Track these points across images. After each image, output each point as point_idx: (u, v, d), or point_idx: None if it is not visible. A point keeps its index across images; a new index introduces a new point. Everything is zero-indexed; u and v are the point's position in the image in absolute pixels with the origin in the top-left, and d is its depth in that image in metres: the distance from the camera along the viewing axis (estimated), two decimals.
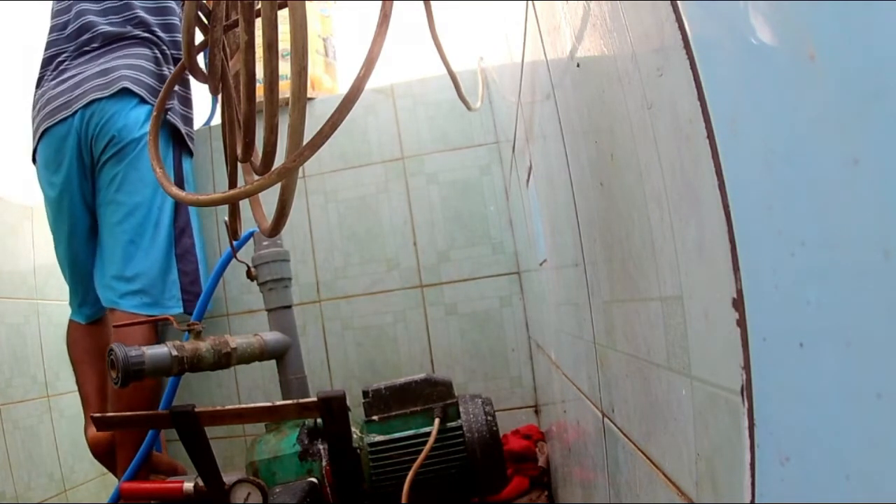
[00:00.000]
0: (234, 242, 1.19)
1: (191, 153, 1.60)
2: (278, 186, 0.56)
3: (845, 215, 0.17)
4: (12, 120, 1.53)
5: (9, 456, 1.37)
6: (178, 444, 1.33)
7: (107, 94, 1.41)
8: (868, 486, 0.17)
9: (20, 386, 1.46)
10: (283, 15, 0.50)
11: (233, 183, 0.69)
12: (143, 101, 1.45)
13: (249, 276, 1.30)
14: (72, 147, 1.42)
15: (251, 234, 1.34)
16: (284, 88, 0.73)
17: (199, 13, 0.64)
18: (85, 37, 1.49)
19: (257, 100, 0.54)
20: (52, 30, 1.55)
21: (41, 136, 1.45)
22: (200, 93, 1.63)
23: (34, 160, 1.51)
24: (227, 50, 0.69)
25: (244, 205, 0.75)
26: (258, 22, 0.51)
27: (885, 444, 0.16)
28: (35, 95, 1.50)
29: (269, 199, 0.61)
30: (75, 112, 1.41)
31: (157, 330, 1.48)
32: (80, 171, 1.44)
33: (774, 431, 0.23)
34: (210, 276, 1.42)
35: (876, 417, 0.16)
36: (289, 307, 1.29)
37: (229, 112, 0.68)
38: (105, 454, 1.45)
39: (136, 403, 1.33)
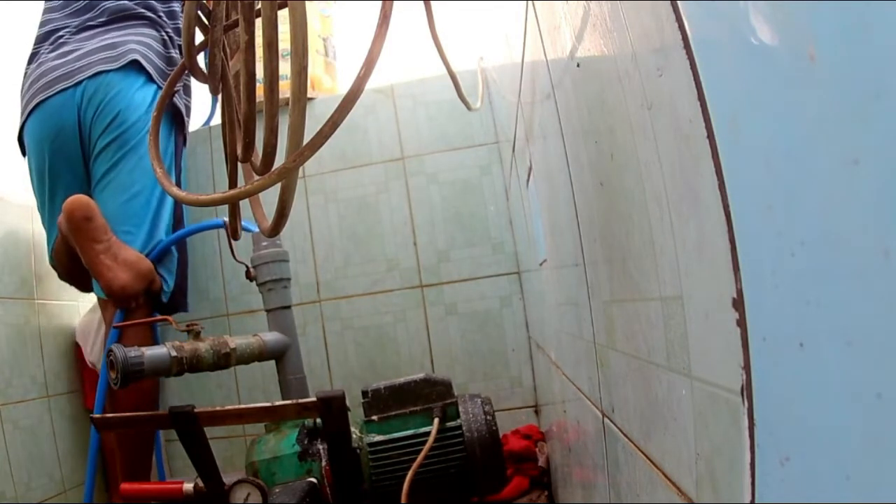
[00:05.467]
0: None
1: (185, 144, 1.56)
2: (278, 186, 0.56)
3: (845, 215, 0.17)
4: (11, 120, 1.53)
5: (9, 456, 1.37)
6: (177, 444, 1.33)
7: (115, 67, 1.35)
8: (868, 486, 0.17)
9: (20, 386, 1.45)
10: (283, 15, 0.50)
11: (233, 183, 0.69)
12: (149, 79, 1.40)
13: (248, 276, 1.30)
14: (68, 120, 1.35)
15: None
16: (284, 88, 0.73)
17: (199, 13, 0.64)
18: (90, 14, 1.44)
19: (257, 100, 0.54)
20: (48, 6, 1.50)
21: (33, 110, 1.37)
22: (200, 93, 1.63)
23: (20, 140, 1.43)
24: (227, 50, 0.69)
25: (244, 205, 0.75)
26: (258, 22, 0.51)
27: (885, 444, 0.16)
28: (27, 70, 1.43)
29: (270, 199, 0.61)
30: (78, 83, 1.34)
31: (156, 333, 1.48)
32: (73, 143, 1.37)
33: (774, 431, 0.23)
34: (177, 232, 1.41)
35: (876, 417, 0.16)
36: (288, 307, 1.29)
37: (229, 112, 0.68)
38: (66, 263, 1.36)
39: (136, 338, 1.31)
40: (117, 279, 1.30)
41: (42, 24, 1.48)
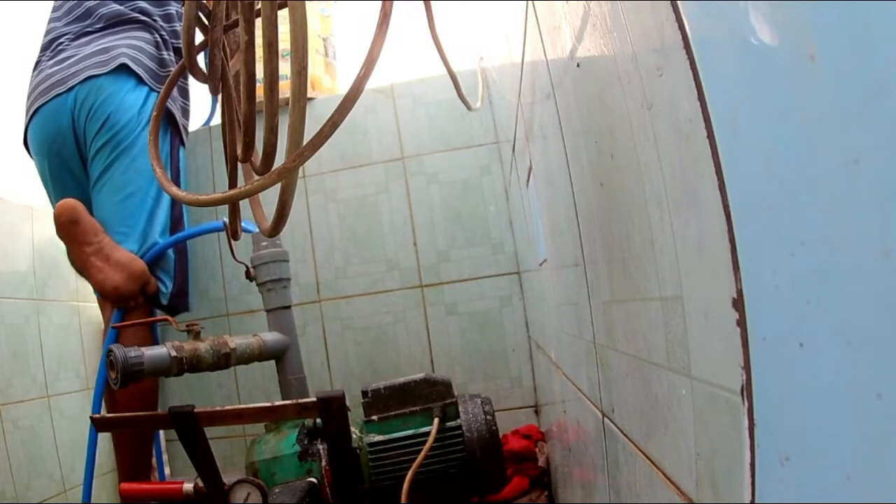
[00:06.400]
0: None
1: (184, 145, 1.57)
2: (278, 186, 0.56)
3: (845, 215, 0.17)
4: (12, 120, 1.53)
5: (9, 456, 1.37)
6: (177, 443, 1.33)
7: (105, 71, 1.37)
8: (868, 486, 0.17)
9: (20, 386, 1.45)
10: (283, 15, 0.50)
11: (233, 183, 0.69)
12: (140, 81, 1.42)
13: (248, 276, 1.30)
14: (63, 124, 1.38)
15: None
16: (284, 88, 0.73)
17: (199, 13, 0.64)
18: (88, 20, 1.47)
19: (257, 100, 0.54)
20: (53, 16, 1.53)
21: (33, 115, 1.41)
22: (200, 93, 1.63)
23: (25, 143, 1.47)
24: (227, 50, 0.69)
25: (244, 205, 0.75)
26: (258, 22, 0.51)
27: (885, 444, 0.16)
28: (31, 78, 1.47)
29: (269, 199, 0.61)
30: (71, 88, 1.37)
31: (156, 333, 1.48)
32: (70, 147, 1.40)
33: (774, 431, 0.23)
34: (176, 235, 1.42)
35: (876, 417, 0.16)
36: (288, 307, 1.29)
37: (229, 112, 0.68)
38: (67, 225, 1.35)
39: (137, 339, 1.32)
40: (109, 280, 1.31)
41: (46, 33, 1.52)
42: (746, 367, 0.24)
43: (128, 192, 1.38)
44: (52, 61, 1.44)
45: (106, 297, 1.34)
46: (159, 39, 1.50)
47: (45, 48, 1.49)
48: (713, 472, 0.29)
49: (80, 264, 1.32)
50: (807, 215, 0.19)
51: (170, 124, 1.49)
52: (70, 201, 1.31)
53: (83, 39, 1.45)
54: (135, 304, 1.37)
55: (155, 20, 1.51)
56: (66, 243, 1.33)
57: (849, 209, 0.17)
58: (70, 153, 1.41)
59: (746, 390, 0.24)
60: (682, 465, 0.34)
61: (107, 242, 1.33)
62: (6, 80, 1.59)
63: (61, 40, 1.47)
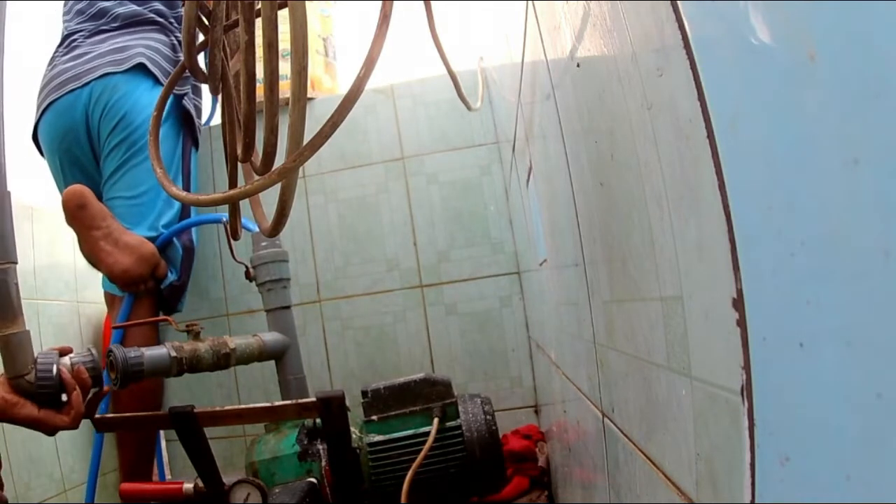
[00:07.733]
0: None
1: (197, 147, 1.56)
2: (278, 186, 0.56)
3: (845, 215, 0.17)
4: (12, 121, 1.53)
5: (9, 456, 1.37)
6: (177, 443, 1.33)
7: (122, 69, 1.37)
8: (868, 486, 0.17)
9: None
10: (283, 15, 0.50)
11: (233, 183, 0.69)
12: (157, 82, 1.41)
13: (248, 276, 1.30)
14: (77, 119, 1.38)
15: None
16: (284, 88, 0.73)
17: (199, 13, 0.64)
18: (104, 19, 1.47)
19: (257, 100, 0.54)
20: (67, 15, 1.53)
21: (45, 110, 1.40)
22: (200, 93, 1.63)
23: (35, 138, 1.46)
24: (227, 50, 0.69)
25: (244, 205, 0.75)
26: (258, 22, 0.51)
27: (885, 444, 0.16)
28: (45, 73, 1.47)
29: (270, 199, 0.61)
30: (86, 84, 1.37)
31: (158, 331, 1.48)
32: (82, 142, 1.40)
33: (774, 431, 0.23)
34: (180, 224, 1.41)
35: (876, 417, 0.16)
36: (288, 307, 1.29)
37: (229, 112, 0.68)
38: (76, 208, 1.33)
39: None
40: (118, 263, 1.30)
41: (63, 30, 1.52)
42: (746, 367, 0.24)
43: (140, 191, 1.39)
44: (66, 56, 1.43)
45: (115, 280, 1.34)
46: (175, 42, 1.50)
47: (59, 44, 1.49)
48: (713, 472, 0.29)
49: (89, 249, 1.32)
50: (807, 215, 0.19)
51: (185, 125, 1.49)
52: (78, 186, 1.31)
53: (98, 37, 1.45)
54: (145, 289, 1.37)
55: (171, 22, 1.51)
56: (74, 229, 1.33)
57: (849, 209, 0.17)
58: (82, 149, 1.41)
59: (746, 390, 0.24)
60: (682, 465, 0.34)
61: (115, 227, 1.33)
62: (6, 82, 1.58)
63: (75, 37, 1.47)
